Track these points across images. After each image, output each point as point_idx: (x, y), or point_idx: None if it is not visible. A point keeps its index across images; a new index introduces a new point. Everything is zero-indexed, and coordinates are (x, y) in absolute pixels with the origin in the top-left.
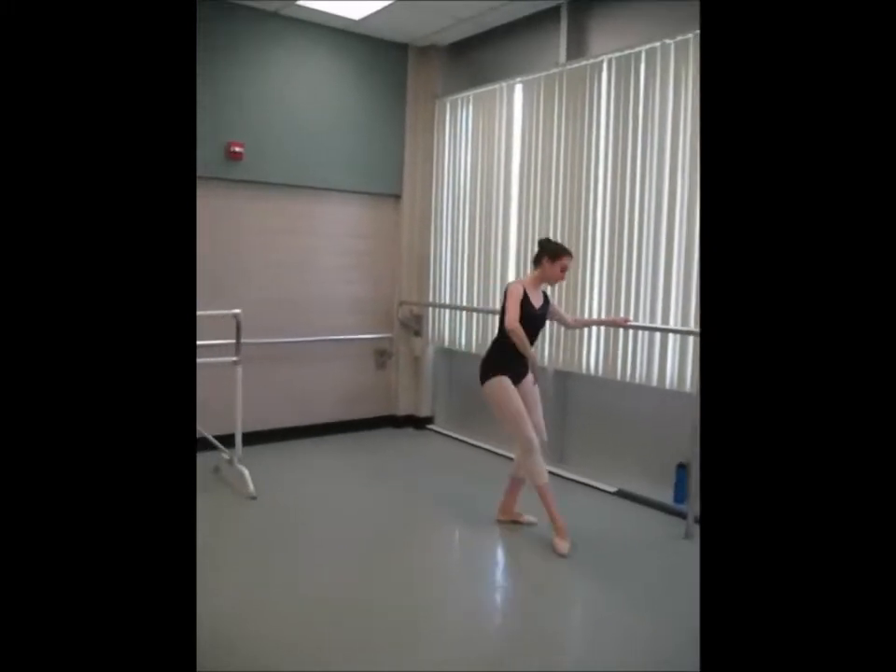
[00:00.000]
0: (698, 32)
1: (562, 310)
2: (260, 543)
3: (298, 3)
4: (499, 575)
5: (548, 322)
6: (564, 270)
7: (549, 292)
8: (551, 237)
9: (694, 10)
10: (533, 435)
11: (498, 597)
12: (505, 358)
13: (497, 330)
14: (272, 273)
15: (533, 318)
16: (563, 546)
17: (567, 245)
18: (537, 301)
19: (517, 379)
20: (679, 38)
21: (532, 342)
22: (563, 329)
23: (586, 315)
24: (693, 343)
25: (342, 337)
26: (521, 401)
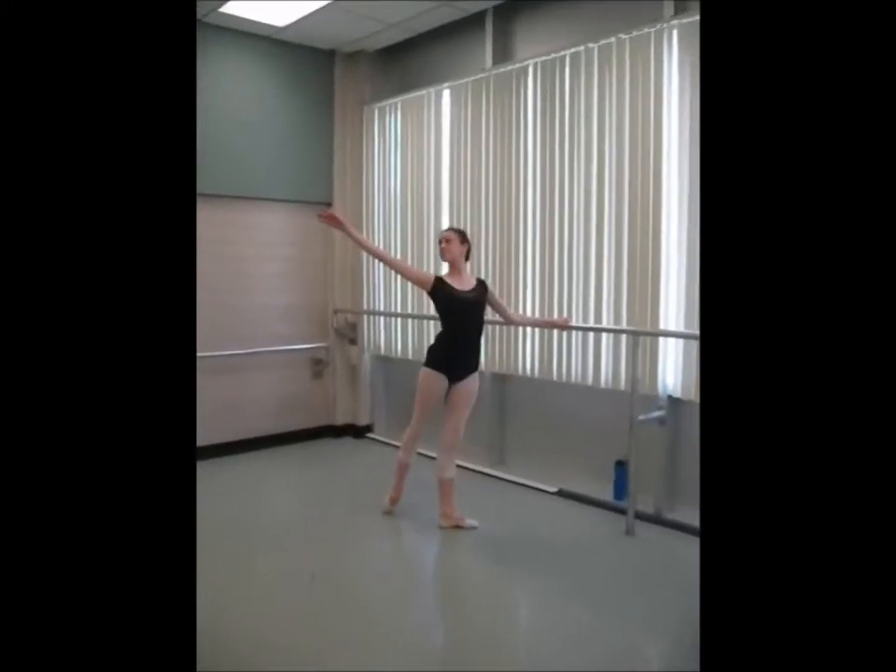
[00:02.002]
0: (621, 35)
1: (503, 301)
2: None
3: (221, 10)
4: (446, 580)
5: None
6: (439, 244)
7: (487, 282)
8: (482, 239)
9: (618, 15)
10: (417, 434)
11: (446, 602)
12: (444, 354)
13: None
14: (202, 285)
15: (461, 302)
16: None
17: (498, 246)
18: (462, 285)
19: (456, 378)
20: (603, 42)
21: (473, 330)
22: (501, 331)
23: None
24: (625, 342)
25: (276, 348)
26: (436, 403)
